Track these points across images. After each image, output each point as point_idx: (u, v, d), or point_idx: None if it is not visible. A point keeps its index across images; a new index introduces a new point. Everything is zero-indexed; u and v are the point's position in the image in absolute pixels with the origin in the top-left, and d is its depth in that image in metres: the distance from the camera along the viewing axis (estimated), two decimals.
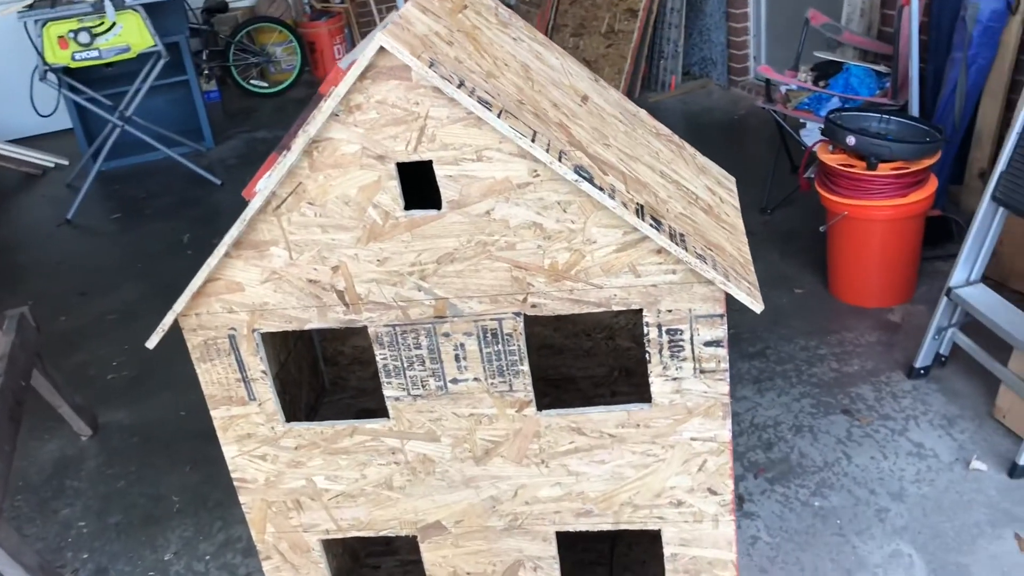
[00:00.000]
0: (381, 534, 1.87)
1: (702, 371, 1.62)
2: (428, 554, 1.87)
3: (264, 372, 1.72)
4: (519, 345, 1.63)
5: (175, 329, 1.68)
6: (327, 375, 2.30)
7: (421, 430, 1.74)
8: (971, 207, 3.75)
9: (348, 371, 2.29)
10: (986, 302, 2.67)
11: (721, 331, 1.58)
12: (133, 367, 3.55)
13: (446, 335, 1.64)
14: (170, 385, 3.36)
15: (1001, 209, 2.64)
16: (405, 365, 1.68)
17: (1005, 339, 2.54)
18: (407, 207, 1.54)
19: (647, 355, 1.62)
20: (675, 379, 1.63)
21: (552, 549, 1.84)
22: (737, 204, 1.88)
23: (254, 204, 1.54)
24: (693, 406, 1.65)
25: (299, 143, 1.49)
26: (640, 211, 1.50)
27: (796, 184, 3.87)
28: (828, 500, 2.46)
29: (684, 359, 1.61)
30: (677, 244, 1.48)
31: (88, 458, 3.07)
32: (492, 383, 1.68)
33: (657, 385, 1.64)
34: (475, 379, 1.68)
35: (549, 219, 1.52)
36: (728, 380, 1.62)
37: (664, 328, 1.59)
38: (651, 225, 1.47)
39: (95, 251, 4.69)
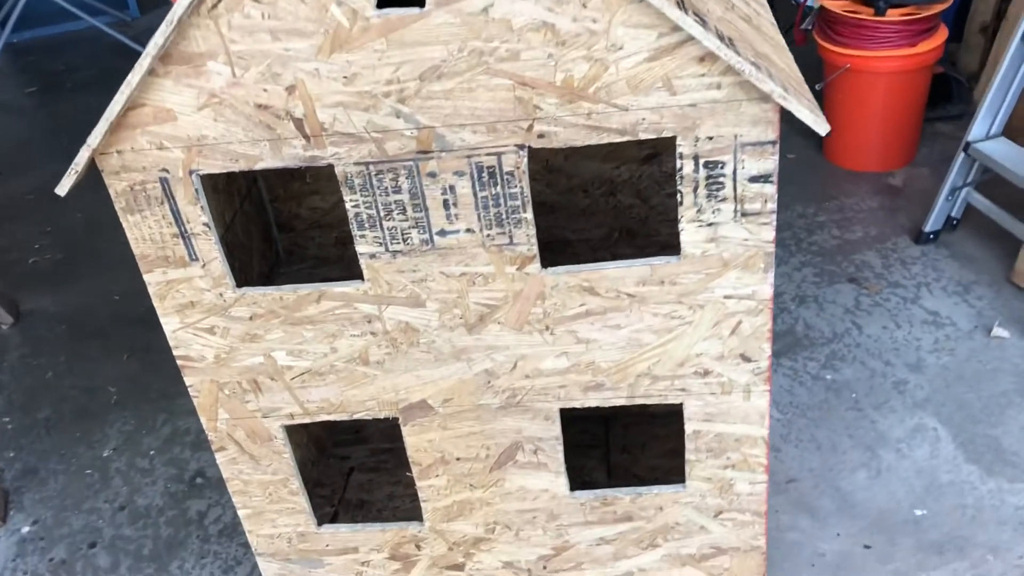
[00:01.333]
0: (356, 416, 1.59)
1: (744, 214, 1.34)
2: (411, 438, 1.61)
3: (207, 225, 1.40)
4: (522, 187, 1.34)
5: (97, 183, 1.35)
6: (281, 243, 1.99)
7: (402, 293, 1.45)
8: (970, 66, 3.49)
9: (306, 237, 1.98)
10: (1011, 155, 2.43)
11: (771, 162, 1.29)
12: (57, 250, 3.18)
13: (432, 175, 1.33)
14: (101, 268, 3.01)
15: None
16: (382, 214, 1.37)
17: None
18: (380, 5, 1.21)
19: (679, 195, 1.33)
20: (710, 225, 1.35)
21: (555, 429, 1.58)
22: (774, 22, 1.58)
23: (182, 2, 1.19)
24: (730, 257, 1.38)
25: None
26: (681, 3, 1.19)
27: (789, 39, 3.56)
28: (840, 373, 2.25)
29: (723, 199, 1.33)
30: (728, 48, 1.18)
31: (10, 349, 2.74)
32: (488, 235, 1.38)
33: (689, 233, 1.36)
34: (468, 230, 1.38)
35: (564, 17, 1.20)
36: (775, 225, 1.35)
37: (702, 161, 1.30)
38: (695, 22, 1.17)
39: (9, 127, 4.23)
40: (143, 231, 1.41)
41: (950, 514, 1.87)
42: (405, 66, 1.24)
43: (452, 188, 1.34)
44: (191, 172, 1.35)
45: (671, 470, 1.93)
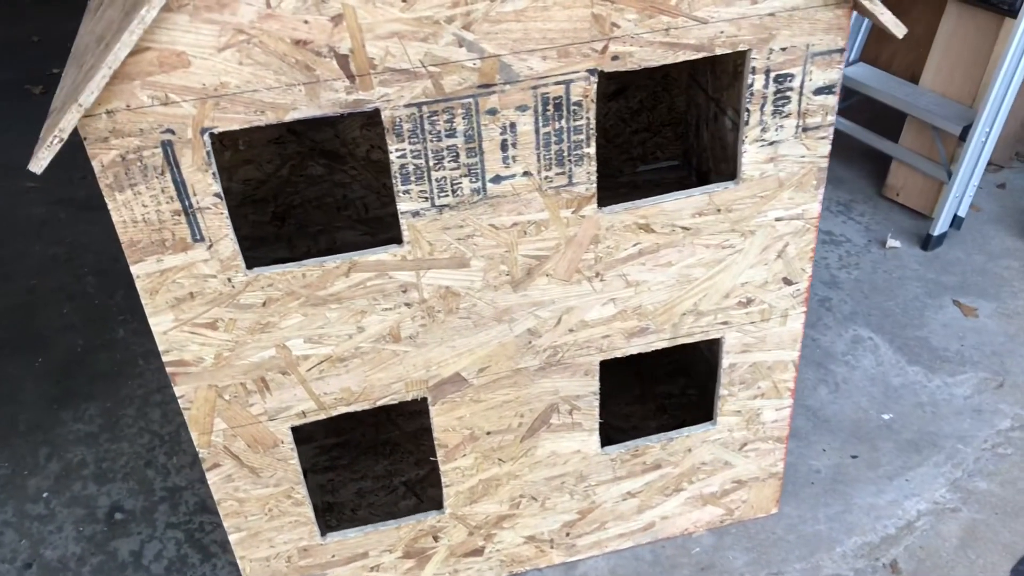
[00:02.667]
0: (379, 404, 1.40)
1: (805, 129, 1.30)
2: (440, 418, 1.44)
3: (219, 196, 1.16)
4: (588, 118, 1.21)
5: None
6: None
7: (445, 254, 1.28)
8: None
9: (237, 215, 1.72)
10: (873, 77, 2.59)
11: (837, 72, 1.26)
12: None
13: (491, 113, 1.18)
14: None
15: None
16: (431, 163, 1.20)
17: (902, 109, 2.46)
18: None
19: (744, 114, 1.27)
20: (772, 143, 1.30)
21: (594, 384, 1.48)
22: None
23: None
24: (786, 177, 1.34)
25: None
26: None
27: None
28: None
29: (787, 115, 1.28)
30: None
31: None
32: (546, 177, 1.25)
33: (751, 153, 1.30)
34: (525, 173, 1.24)
35: None
36: (831, 137, 1.32)
37: (772, 75, 1.24)
38: None
39: None
40: (134, 211, 1.14)
41: (912, 413, 1.97)
42: None
43: (512, 126, 1.19)
44: (203, 131, 1.10)
45: (646, 415, 1.89)
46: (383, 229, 1.76)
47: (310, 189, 1.73)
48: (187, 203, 1.15)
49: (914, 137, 2.52)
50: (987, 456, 1.87)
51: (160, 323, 1.23)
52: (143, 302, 1.21)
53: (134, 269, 1.18)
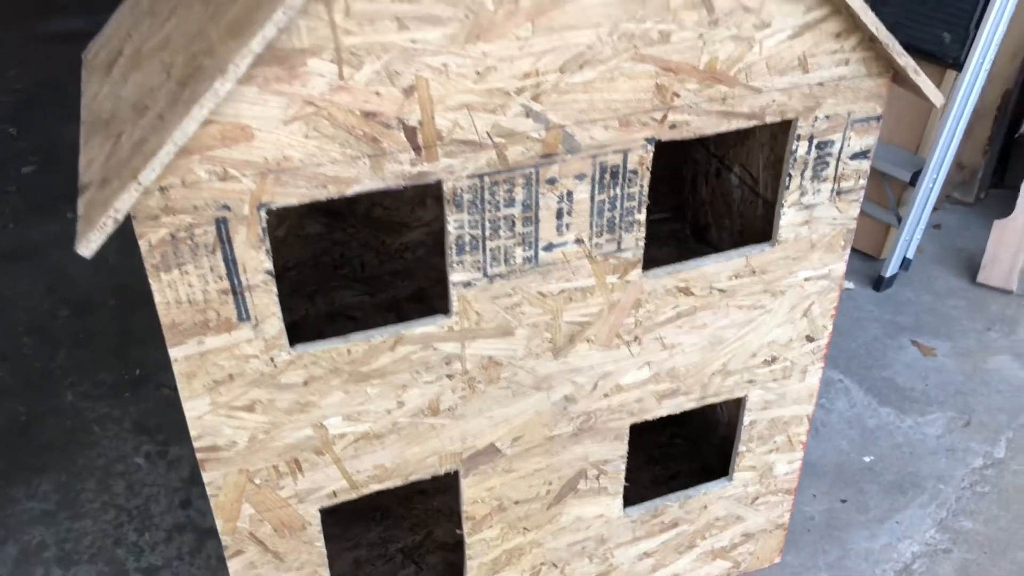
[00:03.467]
0: (411, 479, 1.34)
1: (839, 192, 1.32)
2: (470, 490, 1.39)
3: (269, 273, 1.09)
4: (642, 186, 1.20)
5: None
6: None
7: (491, 324, 1.24)
8: None
9: None
10: None
11: (873, 137, 1.29)
12: None
13: (551, 182, 1.15)
14: None
15: None
16: (487, 233, 1.16)
17: None
18: None
19: (786, 179, 1.28)
20: (808, 207, 1.32)
21: (623, 447, 1.46)
22: None
23: None
24: (817, 238, 1.36)
25: None
26: None
27: None
28: None
29: (825, 179, 1.30)
30: (881, 26, 1.15)
31: None
32: (597, 243, 1.22)
33: (788, 216, 1.32)
34: (577, 241, 1.21)
35: None
36: (861, 200, 1.35)
37: (815, 141, 1.26)
38: None
39: None
40: (179, 292, 1.05)
41: (891, 455, 2.02)
42: (548, 55, 1.05)
43: (570, 195, 1.17)
44: (260, 207, 1.03)
45: (638, 466, 1.88)
46: (381, 288, 1.70)
47: (307, 248, 1.66)
48: (236, 281, 1.07)
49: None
50: (967, 495, 1.94)
51: (195, 408, 1.15)
52: (179, 386, 1.13)
53: (173, 352, 1.09)
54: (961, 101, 2.33)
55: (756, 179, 1.56)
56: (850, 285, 2.53)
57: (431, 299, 1.66)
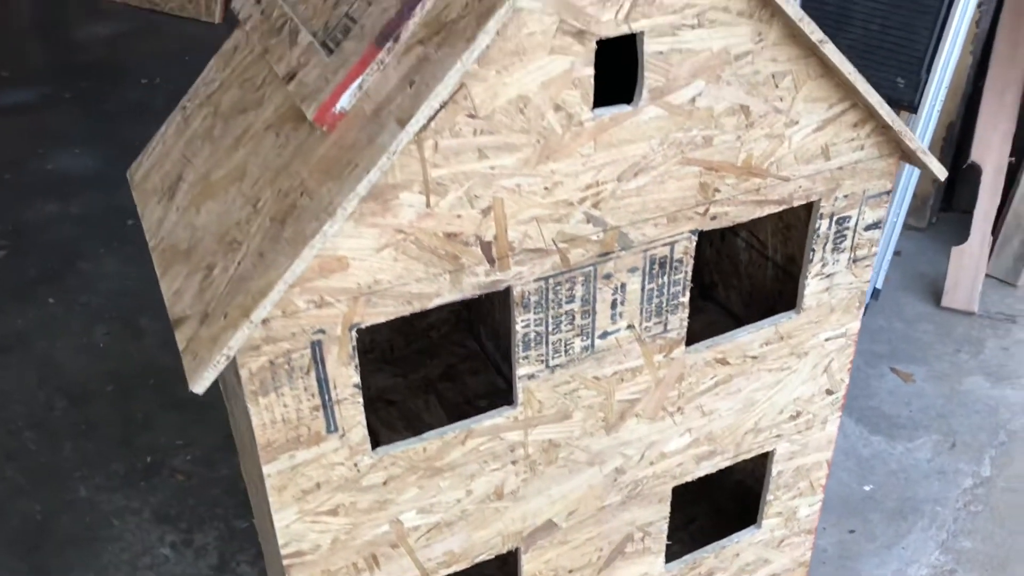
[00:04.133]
0: (477, 560, 1.40)
1: (855, 260, 1.43)
2: (530, 565, 1.45)
3: (357, 387, 1.14)
4: (686, 272, 1.29)
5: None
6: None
7: (552, 410, 1.31)
8: None
9: None
10: None
11: (884, 210, 1.40)
12: None
13: (607, 277, 1.23)
14: None
15: None
16: (550, 328, 1.23)
17: None
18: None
19: (809, 253, 1.38)
20: (828, 276, 1.42)
21: (666, 509, 1.54)
22: None
23: (396, 132, 0.97)
24: (836, 302, 1.47)
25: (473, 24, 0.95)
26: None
27: None
28: None
29: (843, 250, 1.41)
30: (892, 114, 1.26)
31: None
32: (646, 327, 1.31)
33: (812, 286, 1.42)
34: (628, 327, 1.29)
35: (758, 99, 1.18)
36: (872, 265, 1.46)
37: (835, 217, 1.36)
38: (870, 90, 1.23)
39: None
40: (275, 412, 1.10)
41: (889, 482, 2.15)
42: (607, 167, 1.14)
43: (623, 286, 1.25)
44: (351, 327, 1.09)
45: None
46: (412, 368, 1.75)
47: None
48: (327, 397, 1.13)
49: None
50: (963, 515, 2.07)
51: (284, 518, 1.19)
52: (269, 500, 1.17)
53: (266, 469, 1.14)
54: (918, 140, 2.49)
55: (764, 244, 1.66)
56: None
57: (462, 376, 1.73)
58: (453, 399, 1.65)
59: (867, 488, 2.14)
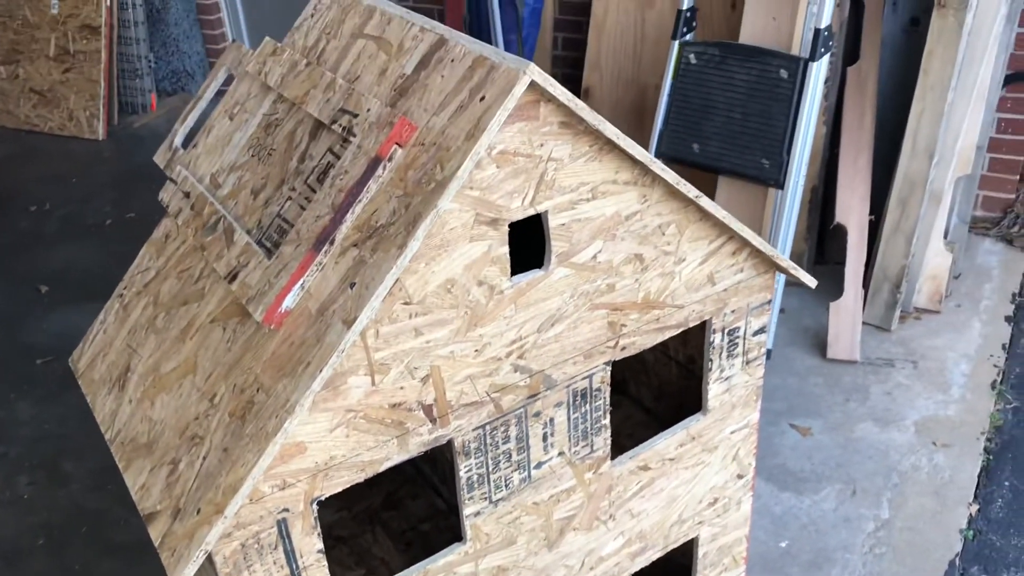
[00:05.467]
0: None
1: (747, 362, 1.61)
2: None
3: (320, 552, 1.23)
4: (605, 397, 1.43)
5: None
6: None
7: (498, 539, 1.43)
8: None
9: None
10: None
11: (767, 316, 1.58)
12: None
13: (536, 415, 1.36)
14: None
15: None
16: (491, 468, 1.35)
17: None
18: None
19: (708, 363, 1.55)
20: (727, 379, 1.59)
21: None
22: None
23: (343, 332, 1.08)
24: (736, 400, 1.64)
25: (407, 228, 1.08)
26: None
27: None
28: None
29: (736, 356, 1.58)
30: (762, 242, 1.44)
31: None
32: (575, 451, 1.44)
33: (713, 389, 1.58)
34: (560, 454, 1.43)
35: (649, 247, 1.35)
36: (764, 363, 1.64)
37: (726, 330, 1.53)
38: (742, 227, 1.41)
39: None
40: None
41: (801, 536, 2.33)
42: (528, 323, 1.27)
43: (551, 420, 1.39)
44: (312, 501, 1.19)
45: None
46: (354, 501, 1.84)
47: None
48: (295, 566, 1.22)
49: None
50: (870, 559, 2.26)
51: None
52: None
53: None
54: (788, 212, 2.73)
55: (667, 347, 1.83)
56: None
57: (403, 501, 1.82)
58: (398, 527, 1.75)
59: (783, 544, 2.32)
